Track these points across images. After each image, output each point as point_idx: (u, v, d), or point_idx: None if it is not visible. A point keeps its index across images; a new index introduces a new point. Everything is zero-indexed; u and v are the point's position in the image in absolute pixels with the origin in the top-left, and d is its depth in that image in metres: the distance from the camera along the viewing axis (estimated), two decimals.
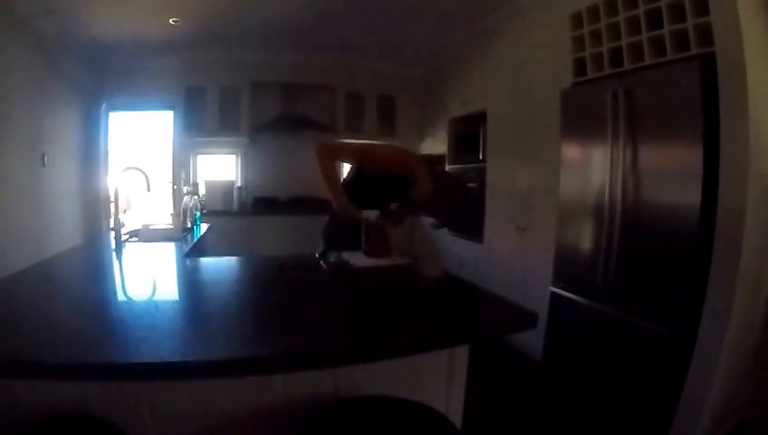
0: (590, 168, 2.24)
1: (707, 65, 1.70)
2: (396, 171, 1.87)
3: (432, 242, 4.51)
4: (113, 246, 2.20)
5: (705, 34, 1.74)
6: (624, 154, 2.02)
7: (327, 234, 2.18)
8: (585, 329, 2.24)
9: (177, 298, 1.42)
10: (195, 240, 2.51)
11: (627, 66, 2.09)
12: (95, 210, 4.51)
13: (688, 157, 1.77)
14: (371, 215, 1.88)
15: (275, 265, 1.77)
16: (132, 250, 2.14)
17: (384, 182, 1.89)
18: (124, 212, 4.30)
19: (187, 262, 1.95)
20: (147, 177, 2.32)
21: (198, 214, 2.88)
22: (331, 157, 1.96)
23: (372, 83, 4.92)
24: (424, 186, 1.83)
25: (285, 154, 4.84)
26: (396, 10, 3.38)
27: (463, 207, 1.89)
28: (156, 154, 4.86)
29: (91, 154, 4.40)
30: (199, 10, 3.34)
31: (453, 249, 4.06)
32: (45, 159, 3.43)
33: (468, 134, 3.82)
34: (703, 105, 1.70)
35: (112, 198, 2.49)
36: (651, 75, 1.96)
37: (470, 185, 3.75)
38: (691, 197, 1.75)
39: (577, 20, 2.39)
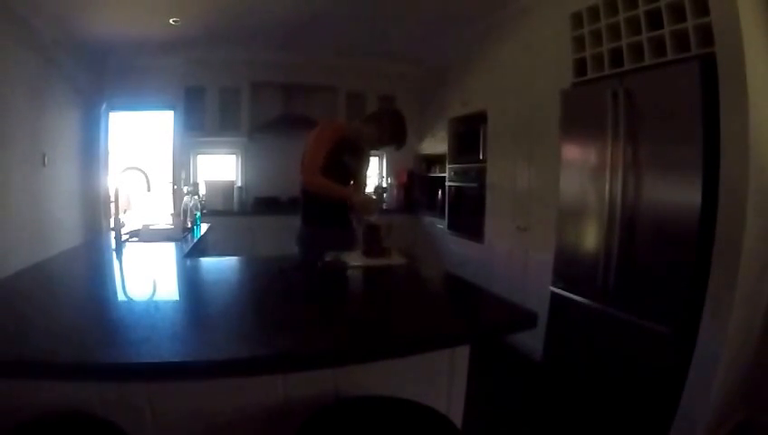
0: (591, 168, 2.24)
1: (707, 65, 1.70)
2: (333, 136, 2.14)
3: (427, 236, 4.51)
4: (113, 246, 2.20)
5: (705, 34, 1.74)
6: (624, 154, 2.02)
7: (302, 239, 2.29)
8: (585, 329, 2.24)
9: (178, 299, 1.42)
10: (195, 240, 2.51)
11: (627, 66, 2.09)
12: (95, 210, 4.51)
13: (688, 157, 1.77)
14: (371, 216, 1.89)
15: (276, 265, 1.77)
16: (132, 250, 2.14)
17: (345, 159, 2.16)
18: (124, 212, 4.30)
19: (188, 262, 1.95)
20: (147, 177, 2.32)
21: (199, 214, 2.88)
22: (313, 177, 2.10)
23: (372, 83, 4.92)
24: (365, 129, 2.15)
25: (286, 154, 4.78)
26: (396, 10, 3.38)
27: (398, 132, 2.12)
28: (156, 154, 4.85)
29: (91, 154, 4.39)
30: (199, 10, 3.34)
31: (453, 249, 4.06)
32: (45, 159, 3.43)
33: (468, 134, 3.82)
34: (703, 105, 1.70)
35: (112, 199, 2.48)
36: (651, 75, 1.96)
37: (470, 185, 3.76)
38: (691, 197, 1.75)
39: (577, 20, 2.39)
